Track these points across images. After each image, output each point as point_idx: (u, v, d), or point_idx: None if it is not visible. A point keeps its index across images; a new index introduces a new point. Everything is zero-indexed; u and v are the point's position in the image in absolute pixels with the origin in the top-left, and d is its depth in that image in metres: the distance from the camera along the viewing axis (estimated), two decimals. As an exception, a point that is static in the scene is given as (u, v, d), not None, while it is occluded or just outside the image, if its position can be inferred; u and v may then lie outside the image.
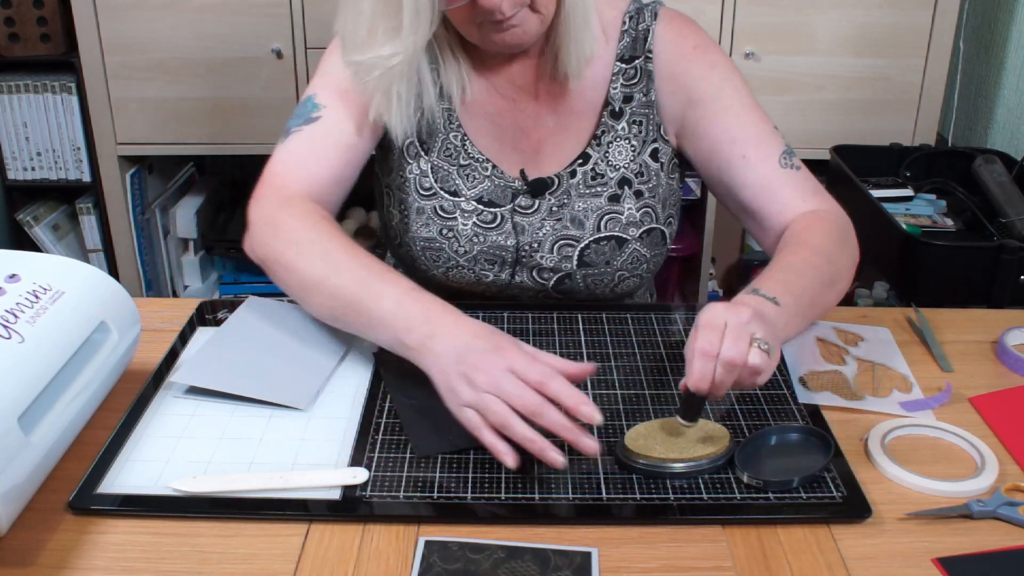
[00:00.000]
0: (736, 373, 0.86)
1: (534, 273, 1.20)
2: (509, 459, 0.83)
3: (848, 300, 2.12)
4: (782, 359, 1.06)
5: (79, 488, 0.85)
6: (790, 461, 0.88)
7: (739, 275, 2.62)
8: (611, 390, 1.00)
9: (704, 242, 2.37)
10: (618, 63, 1.17)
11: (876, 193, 1.86)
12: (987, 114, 2.28)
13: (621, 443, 0.89)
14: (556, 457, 0.83)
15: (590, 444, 0.83)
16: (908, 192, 1.93)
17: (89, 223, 2.44)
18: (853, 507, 0.83)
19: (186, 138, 2.31)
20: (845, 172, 1.91)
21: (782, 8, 2.16)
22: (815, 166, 2.29)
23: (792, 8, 2.15)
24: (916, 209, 1.88)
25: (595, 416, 0.82)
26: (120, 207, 2.36)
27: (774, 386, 1.01)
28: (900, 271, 1.69)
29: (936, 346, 1.10)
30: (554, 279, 1.20)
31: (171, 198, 2.55)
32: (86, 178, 2.38)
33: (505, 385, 0.84)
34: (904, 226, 1.75)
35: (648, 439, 0.89)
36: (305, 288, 1.03)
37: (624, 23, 1.18)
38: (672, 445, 0.88)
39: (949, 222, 1.84)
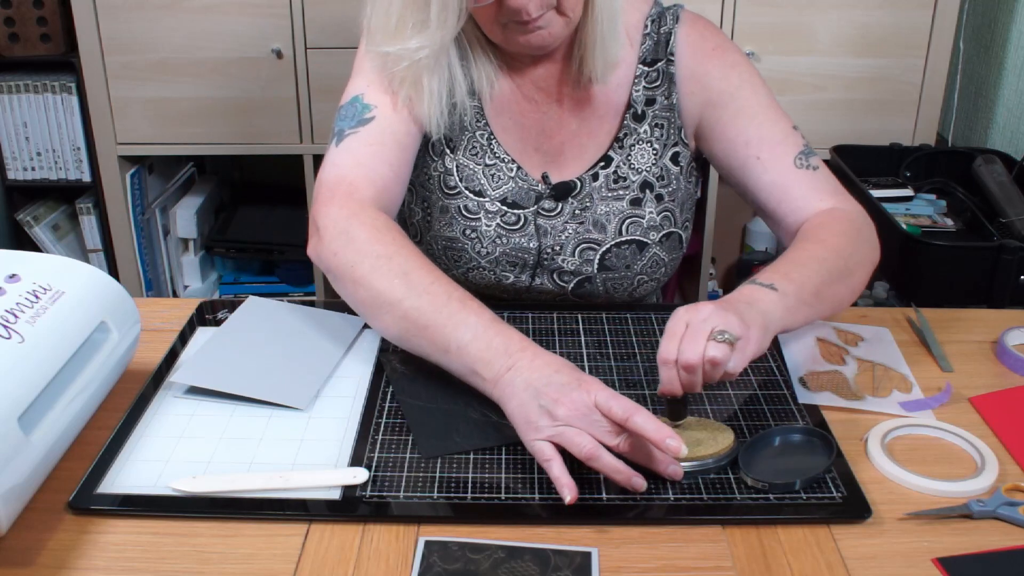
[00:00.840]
0: (698, 372, 0.88)
1: (555, 276, 1.20)
2: (570, 494, 0.81)
3: (848, 300, 2.11)
4: (783, 359, 1.06)
5: (79, 488, 0.85)
6: (792, 462, 0.88)
7: (739, 275, 2.62)
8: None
9: (704, 242, 2.37)
10: (640, 66, 1.17)
11: (876, 193, 1.86)
12: (987, 114, 2.28)
13: (623, 443, 0.89)
14: (641, 483, 0.83)
15: (641, 482, 0.84)
16: (908, 192, 1.93)
17: (89, 223, 2.44)
18: (853, 507, 0.83)
19: (186, 138, 2.31)
20: (845, 172, 1.91)
21: (782, 8, 2.16)
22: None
23: (792, 8, 2.16)
24: (916, 209, 1.88)
25: (682, 449, 0.81)
26: (120, 207, 2.36)
27: (774, 386, 1.01)
28: (900, 271, 1.69)
29: (936, 346, 1.10)
30: (574, 282, 1.20)
31: (171, 198, 2.55)
32: (86, 178, 2.37)
33: (589, 420, 0.83)
34: (904, 226, 1.75)
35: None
36: (376, 305, 0.98)
37: (646, 26, 1.18)
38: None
39: (949, 222, 1.84)
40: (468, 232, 1.18)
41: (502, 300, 1.21)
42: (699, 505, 0.84)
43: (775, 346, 1.08)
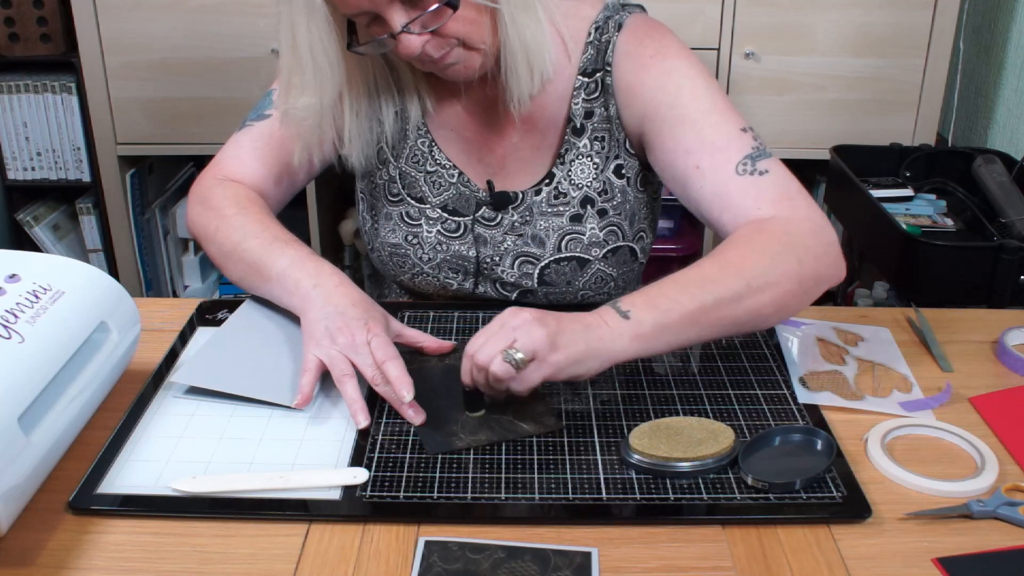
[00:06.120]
0: (485, 375, 0.89)
1: (496, 285, 1.19)
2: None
3: (848, 300, 2.12)
4: (783, 359, 1.06)
5: (79, 488, 0.85)
6: (792, 462, 0.88)
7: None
8: (611, 390, 1.00)
9: (704, 241, 2.37)
10: (580, 77, 1.13)
11: (876, 193, 1.86)
12: (987, 114, 2.28)
13: (625, 442, 0.89)
14: (363, 420, 0.93)
15: (413, 416, 0.94)
16: (908, 192, 1.93)
17: (89, 223, 2.44)
18: (853, 507, 0.83)
19: (186, 138, 2.31)
20: (845, 172, 1.91)
21: (782, 8, 2.16)
22: (815, 166, 2.31)
23: (792, 8, 2.16)
24: (916, 209, 1.88)
25: (403, 395, 0.92)
26: (120, 207, 2.36)
27: (774, 386, 1.01)
28: (900, 271, 1.70)
29: (936, 346, 1.10)
30: (516, 292, 1.19)
31: (171, 198, 2.55)
32: (86, 178, 2.37)
33: (358, 353, 0.96)
34: (904, 226, 1.75)
35: (652, 438, 0.89)
36: (223, 256, 1.11)
37: (590, 34, 1.12)
38: (676, 444, 0.88)
39: (949, 222, 1.84)
40: (410, 238, 1.18)
41: (451, 304, 1.20)
42: (699, 505, 0.84)
43: (775, 346, 1.08)
